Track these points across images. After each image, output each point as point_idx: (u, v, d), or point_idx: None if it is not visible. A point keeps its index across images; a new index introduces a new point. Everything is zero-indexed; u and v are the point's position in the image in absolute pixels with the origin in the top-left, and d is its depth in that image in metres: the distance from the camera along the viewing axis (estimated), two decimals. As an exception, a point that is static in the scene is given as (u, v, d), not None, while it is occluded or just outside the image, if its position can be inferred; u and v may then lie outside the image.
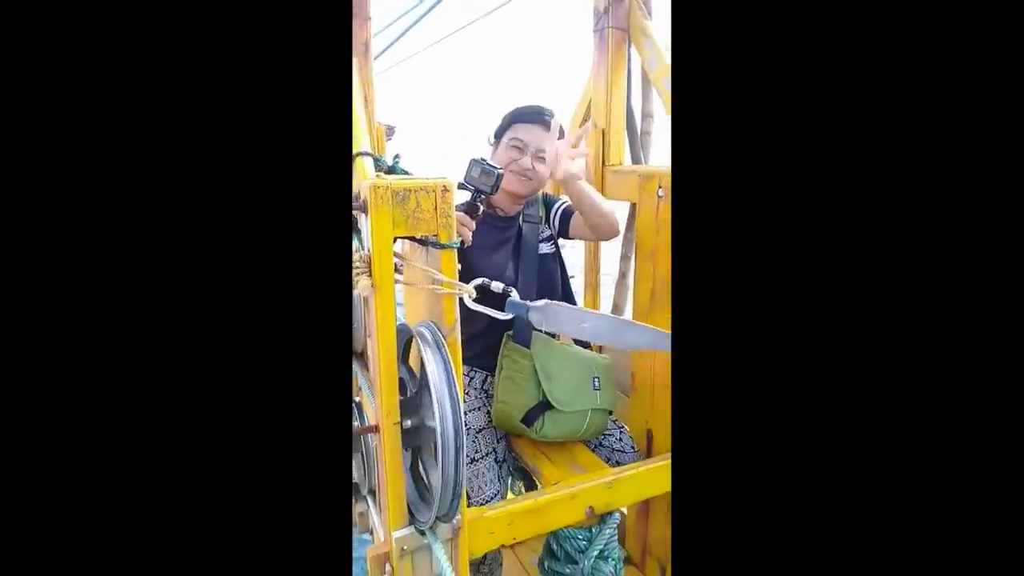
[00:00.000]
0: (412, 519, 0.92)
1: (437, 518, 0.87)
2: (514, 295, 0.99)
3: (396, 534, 0.90)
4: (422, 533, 0.90)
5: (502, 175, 1.06)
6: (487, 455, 1.25)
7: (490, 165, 1.07)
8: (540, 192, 1.39)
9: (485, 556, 1.23)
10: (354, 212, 0.92)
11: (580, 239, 1.41)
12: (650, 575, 1.46)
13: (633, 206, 1.46)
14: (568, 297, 1.39)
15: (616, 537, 1.12)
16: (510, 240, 1.31)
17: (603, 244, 1.53)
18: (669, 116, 1.33)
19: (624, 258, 1.63)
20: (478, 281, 0.91)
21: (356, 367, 1.23)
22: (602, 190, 1.49)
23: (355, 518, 1.31)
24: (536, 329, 1.17)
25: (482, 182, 1.04)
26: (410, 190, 0.81)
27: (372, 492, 1.23)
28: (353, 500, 1.30)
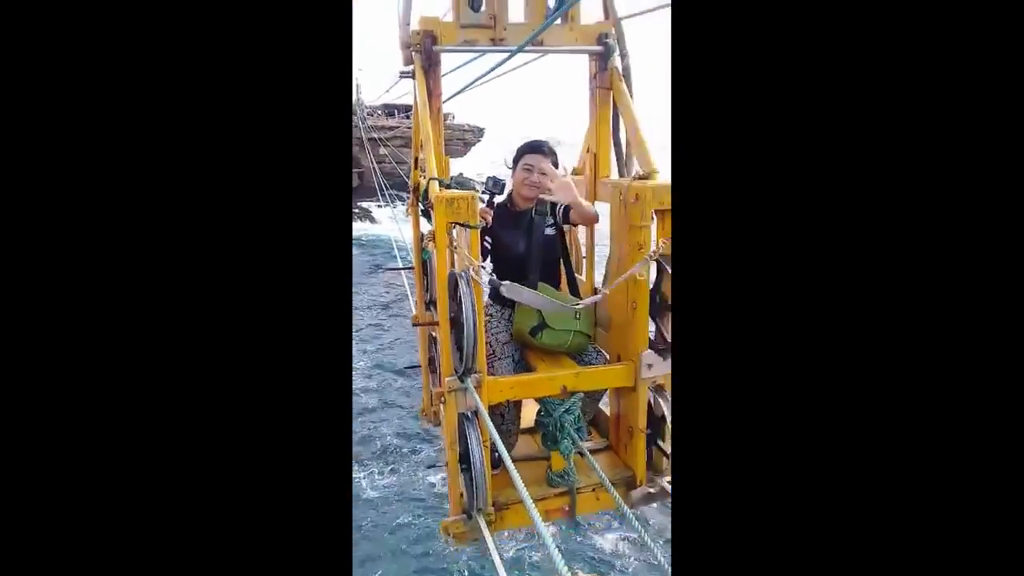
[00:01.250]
0: (455, 373, 1.78)
1: (466, 369, 1.72)
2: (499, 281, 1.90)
3: (448, 379, 1.76)
4: (461, 380, 1.76)
5: (503, 183, 1.94)
6: (507, 357, 2.10)
7: (497, 179, 1.96)
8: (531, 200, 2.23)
9: (504, 416, 2.06)
10: (426, 207, 1.87)
11: (576, 224, 2.24)
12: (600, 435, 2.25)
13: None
14: (566, 261, 2.22)
15: (579, 406, 1.91)
16: (522, 225, 2.13)
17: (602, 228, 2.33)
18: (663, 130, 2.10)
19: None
20: (486, 277, 1.75)
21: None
22: (594, 194, 2.28)
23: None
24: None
25: (493, 189, 1.97)
26: (454, 199, 1.66)
27: (431, 361, 2.20)
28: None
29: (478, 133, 38.62)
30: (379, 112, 33.07)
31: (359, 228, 25.26)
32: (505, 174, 2.13)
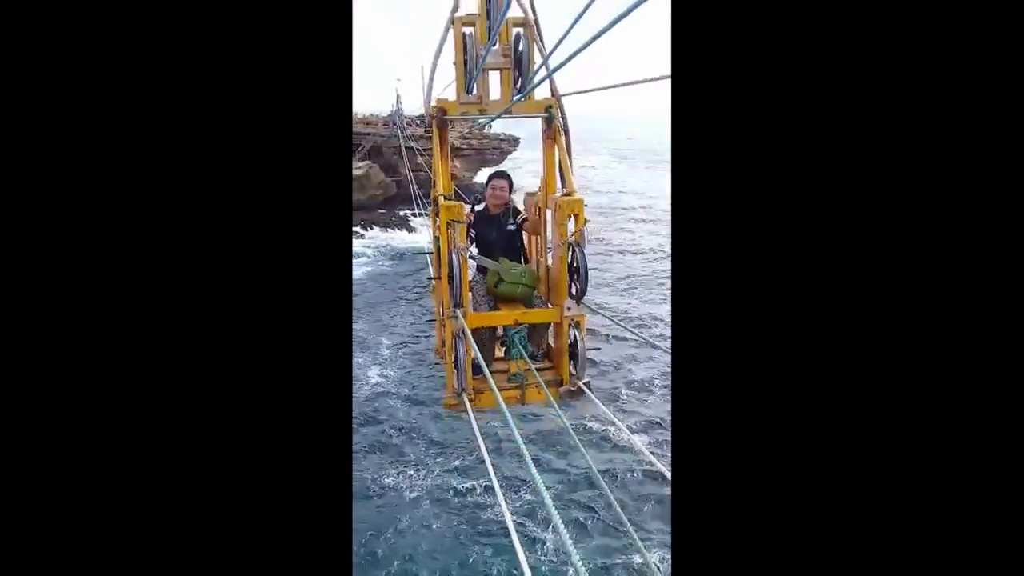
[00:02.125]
0: (451, 307, 3.18)
1: (456, 304, 3.10)
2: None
3: (447, 311, 3.16)
4: (453, 312, 3.14)
5: (482, 200, 3.38)
6: (484, 304, 3.54)
7: (478, 196, 3.50)
8: (509, 206, 3.61)
9: (483, 338, 3.43)
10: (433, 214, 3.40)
11: (528, 232, 3.65)
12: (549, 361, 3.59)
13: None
14: (520, 246, 3.64)
15: (524, 331, 3.28)
16: (493, 224, 3.57)
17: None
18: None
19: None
20: (474, 251, 3.18)
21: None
22: (545, 204, 3.64)
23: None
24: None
25: (474, 201, 3.47)
26: (451, 206, 3.08)
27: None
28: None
29: (513, 142, 40.61)
30: (417, 122, 35.07)
31: (398, 238, 27.02)
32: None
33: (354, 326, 14.30)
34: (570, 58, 1.69)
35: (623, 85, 2.46)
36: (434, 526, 7.16)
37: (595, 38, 1.39)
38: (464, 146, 33.54)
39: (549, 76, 3.16)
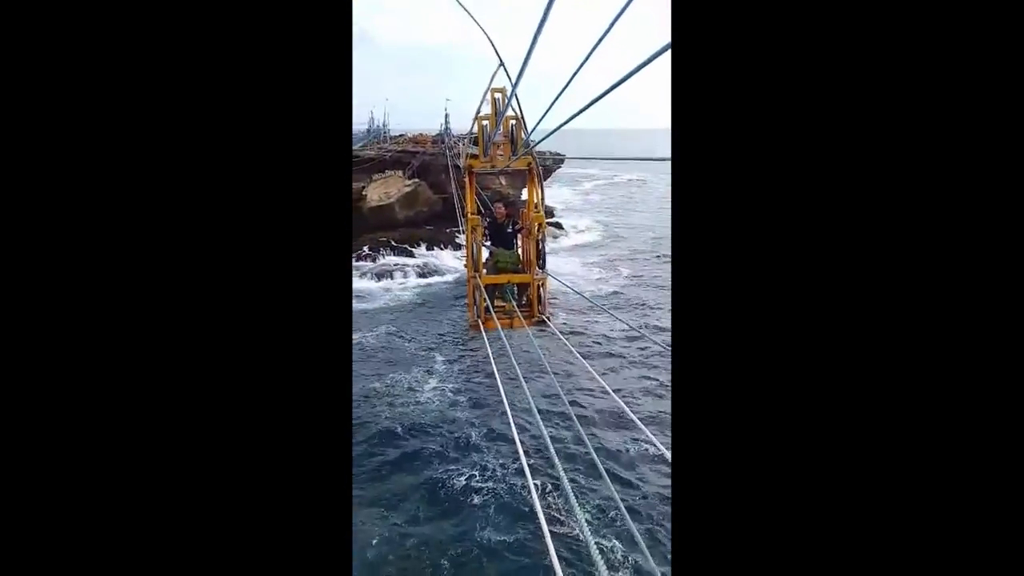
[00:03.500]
0: (472, 272, 6.42)
1: (476, 271, 6.31)
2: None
3: (471, 275, 6.40)
4: (474, 275, 6.35)
5: (493, 216, 6.69)
6: (491, 271, 6.75)
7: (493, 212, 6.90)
8: (511, 217, 6.86)
9: (494, 289, 6.57)
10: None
11: (523, 234, 6.93)
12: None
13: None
14: (513, 243, 6.92)
15: (514, 287, 6.47)
16: (501, 228, 6.85)
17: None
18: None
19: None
20: (487, 254, 6.49)
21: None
22: (528, 218, 6.82)
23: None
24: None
25: (487, 217, 6.84)
26: (473, 218, 6.37)
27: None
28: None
29: (558, 160, 43.38)
30: (465, 141, 38.59)
31: (442, 257, 29.44)
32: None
33: (405, 343, 16.74)
34: (543, 139, 4.82)
35: (610, 84, 5.57)
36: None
37: (564, 124, 4.35)
38: (508, 166, 36.57)
39: (529, 152, 6.36)
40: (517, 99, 5.83)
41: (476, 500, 9.41)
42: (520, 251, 6.93)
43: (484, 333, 6.21)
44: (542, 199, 6.49)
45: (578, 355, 5.46)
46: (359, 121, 44.09)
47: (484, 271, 6.48)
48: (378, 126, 43.64)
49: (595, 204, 50.02)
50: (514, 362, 4.74)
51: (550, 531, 2.50)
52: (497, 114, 6.41)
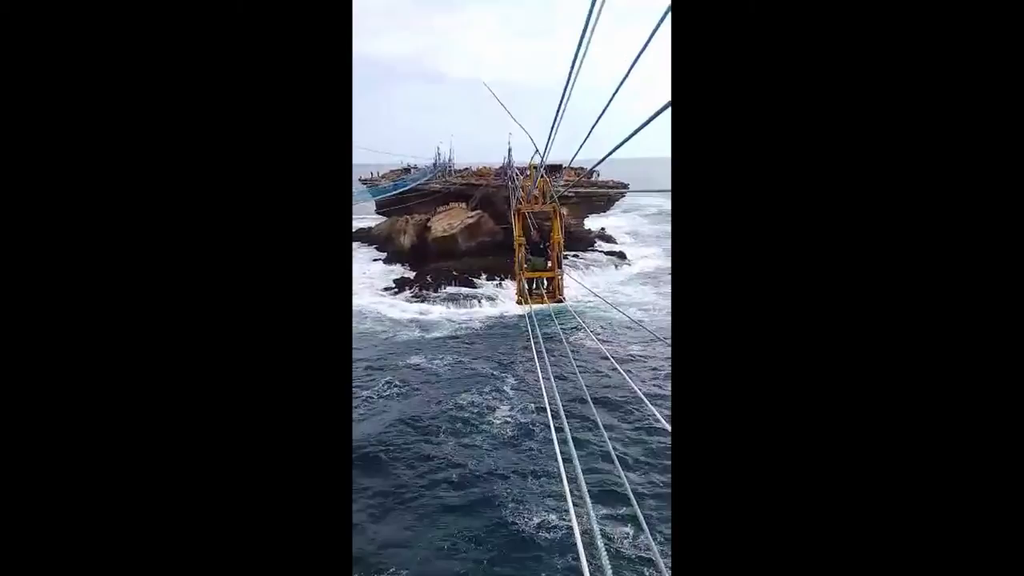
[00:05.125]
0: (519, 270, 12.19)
1: (520, 268, 12.00)
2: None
3: (519, 273, 12.15)
4: (519, 272, 12.06)
5: (531, 238, 12.80)
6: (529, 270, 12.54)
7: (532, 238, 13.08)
8: (543, 235, 12.72)
9: (531, 281, 12.19)
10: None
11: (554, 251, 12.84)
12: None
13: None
14: (544, 253, 12.75)
15: (544, 281, 12.17)
16: (536, 245, 12.71)
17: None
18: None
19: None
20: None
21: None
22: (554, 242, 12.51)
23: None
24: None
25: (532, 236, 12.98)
26: (519, 238, 12.18)
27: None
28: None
29: (622, 188, 47.11)
30: (527, 173, 43.58)
31: (502, 295, 32.25)
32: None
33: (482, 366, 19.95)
34: (566, 189, 10.42)
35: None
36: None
37: (577, 181, 9.90)
38: (571, 194, 40.35)
39: (554, 199, 12.06)
40: (544, 168, 11.39)
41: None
42: (549, 259, 12.48)
43: (527, 305, 11.71)
44: (561, 226, 12.05)
45: (583, 323, 11.00)
46: (426, 156, 50.69)
47: (525, 269, 12.07)
48: (444, 160, 49.92)
49: (667, 233, 54.07)
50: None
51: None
52: (533, 177, 12.10)
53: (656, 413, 4.43)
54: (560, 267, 11.87)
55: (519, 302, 12.10)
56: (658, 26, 2.31)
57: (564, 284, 11.98)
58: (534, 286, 12.19)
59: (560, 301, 11.87)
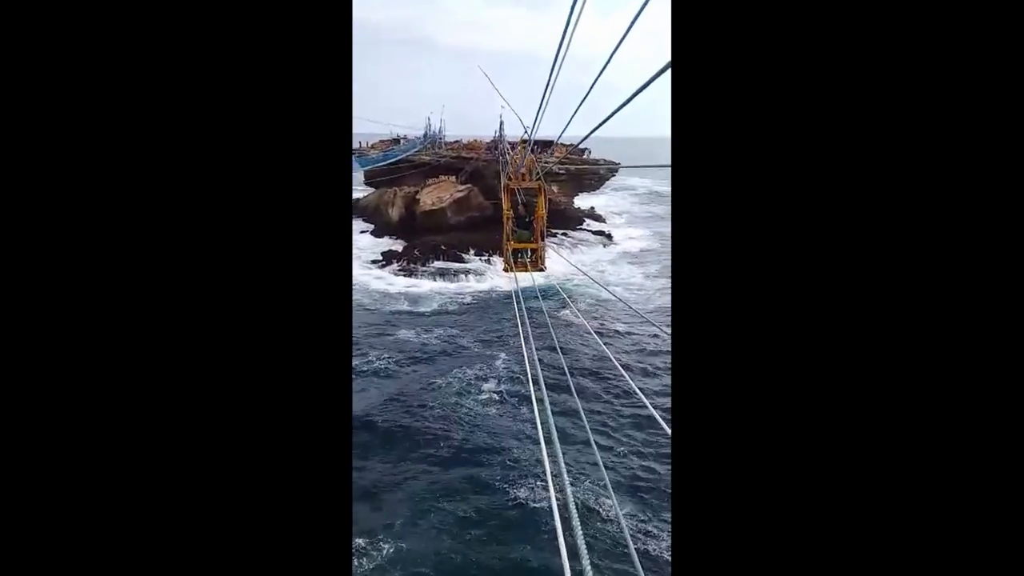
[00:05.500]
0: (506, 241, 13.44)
1: (506, 240, 13.17)
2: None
3: (505, 244, 13.34)
4: (506, 243, 13.24)
5: (518, 212, 14.11)
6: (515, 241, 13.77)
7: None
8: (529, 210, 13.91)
9: (518, 252, 13.40)
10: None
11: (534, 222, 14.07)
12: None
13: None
14: (529, 226, 14.03)
15: (528, 251, 13.39)
16: (522, 219, 13.91)
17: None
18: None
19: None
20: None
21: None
22: (539, 215, 13.64)
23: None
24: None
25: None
26: (507, 212, 13.31)
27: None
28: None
29: (613, 168, 47.72)
30: (527, 145, 42.87)
31: (490, 270, 33.02)
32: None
33: (466, 342, 20.33)
34: (554, 165, 11.50)
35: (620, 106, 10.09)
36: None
37: (565, 158, 10.95)
38: (562, 171, 40.21)
39: (540, 176, 13.14)
40: (531, 143, 12.40)
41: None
42: (532, 232, 13.59)
43: (513, 274, 12.78)
44: (545, 203, 13.10)
45: (560, 290, 12.14)
46: (416, 127, 50.95)
47: (512, 241, 13.15)
48: (434, 132, 50.17)
49: (656, 214, 54.70)
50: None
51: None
52: (522, 154, 13.12)
53: (633, 385, 5.05)
54: (543, 240, 12.98)
55: (506, 269, 13.25)
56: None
57: (547, 256, 13.12)
58: (519, 256, 13.28)
59: (541, 270, 13.05)
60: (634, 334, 21.90)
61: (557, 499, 2.70)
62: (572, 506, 2.42)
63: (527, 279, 12.36)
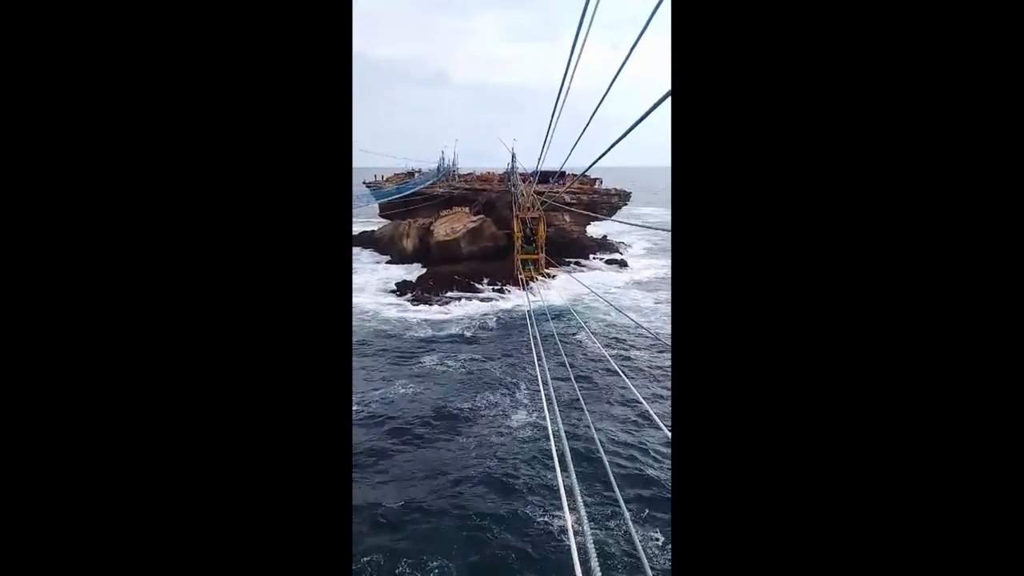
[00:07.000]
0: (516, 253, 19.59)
1: (517, 252, 19.05)
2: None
3: (516, 258, 19.47)
4: (516, 254, 19.19)
5: (525, 233, 20.49)
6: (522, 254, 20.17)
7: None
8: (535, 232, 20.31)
9: (524, 262, 19.86)
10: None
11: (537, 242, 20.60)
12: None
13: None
14: (534, 243, 20.74)
15: (531, 262, 19.78)
16: (528, 238, 20.65)
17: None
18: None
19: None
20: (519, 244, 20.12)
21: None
22: (542, 235, 19.55)
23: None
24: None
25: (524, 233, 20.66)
26: (515, 233, 19.35)
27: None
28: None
29: (624, 197, 47.41)
30: (531, 179, 45.21)
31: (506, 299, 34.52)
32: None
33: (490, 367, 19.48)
34: (564, 193, 17.28)
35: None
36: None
37: (570, 188, 16.59)
38: (574, 201, 43.11)
39: (541, 211, 19.03)
40: (536, 177, 17.92)
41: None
42: (538, 247, 19.35)
43: (520, 280, 18.24)
44: (544, 228, 18.81)
45: (573, 312, 17.66)
46: (430, 160, 54.95)
47: (520, 253, 18.85)
48: (448, 164, 54.29)
49: (666, 242, 56.11)
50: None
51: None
52: (528, 189, 18.82)
53: (648, 408, 4.52)
54: (543, 252, 18.79)
55: (515, 273, 18.98)
56: (649, 19, 2.54)
57: (544, 266, 18.92)
58: (525, 265, 19.08)
59: (543, 275, 18.74)
60: (645, 358, 20.29)
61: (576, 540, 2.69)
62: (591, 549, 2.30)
63: (539, 302, 16.61)
